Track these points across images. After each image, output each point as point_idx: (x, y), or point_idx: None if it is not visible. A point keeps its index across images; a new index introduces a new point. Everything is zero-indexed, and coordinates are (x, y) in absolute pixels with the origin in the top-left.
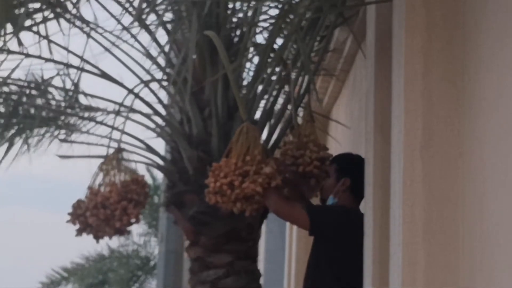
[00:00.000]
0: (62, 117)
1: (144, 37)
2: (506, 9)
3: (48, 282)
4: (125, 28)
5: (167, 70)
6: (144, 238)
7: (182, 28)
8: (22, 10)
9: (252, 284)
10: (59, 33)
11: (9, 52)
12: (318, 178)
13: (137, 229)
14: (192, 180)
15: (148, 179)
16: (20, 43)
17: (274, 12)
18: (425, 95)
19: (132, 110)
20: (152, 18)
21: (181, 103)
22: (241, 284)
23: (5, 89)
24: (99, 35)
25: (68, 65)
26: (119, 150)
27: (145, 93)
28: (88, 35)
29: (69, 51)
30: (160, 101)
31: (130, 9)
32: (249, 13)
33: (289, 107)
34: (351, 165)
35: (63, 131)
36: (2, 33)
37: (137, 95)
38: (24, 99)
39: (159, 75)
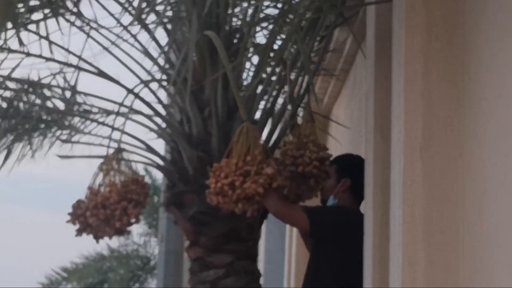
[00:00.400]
0: (62, 117)
1: (144, 37)
2: (506, 9)
3: (48, 283)
4: (124, 28)
5: (167, 70)
6: (144, 238)
7: (182, 28)
8: (23, 9)
9: (252, 284)
10: (58, 32)
11: (10, 50)
12: (317, 178)
13: (137, 229)
14: (192, 180)
15: (147, 179)
16: (20, 42)
17: (274, 12)
18: (425, 95)
19: (132, 110)
20: (152, 18)
21: (181, 103)
22: (241, 284)
23: (5, 88)
24: (98, 34)
25: (68, 65)
26: (119, 150)
27: (145, 93)
28: (88, 34)
29: (69, 52)
30: (160, 101)
31: (130, 9)
32: (249, 13)
33: (289, 107)
34: (351, 166)
35: (63, 132)
36: (3, 32)
37: (137, 95)
38: (25, 98)
39: (158, 75)
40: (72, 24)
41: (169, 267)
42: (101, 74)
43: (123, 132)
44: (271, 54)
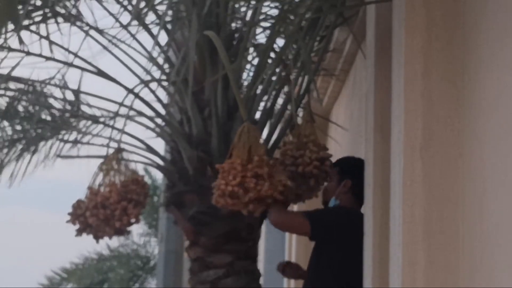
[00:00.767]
0: (66, 119)
1: (144, 37)
2: (506, 9)
3: (48, 283)
4: (124, 27)
5: (167, 70)
6: (144, 238)
7: (182, 28)
8: (23, 8)
9: (252, 284)
10: (57, 32)
11: (10, 49)
12: (317, 178)
13: (137, 229)
14: (192, 180)
15: (147, 179)
16: (21, 42)
17: (274, 12)
18: (425, 95)
19: (132, 110)
20: (152, 18)
21: (181, 103)
22: (241, 284)
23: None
24: (98, 34)
25: (68, 64)
26: (119, 150)
27: (145, 93)
28: (87, 34)
29: (69, 51)
30: (160, 101)
31: (130, 8)
32: (249, 13)
33: (289, 107)
34: (352, 167)
35: (63, 132)
36: (3, 31)
37: (137, 95)
38: (24, 98)
39: (158, 74)
40: (72, 23)
41: (169, 267)
42: (101, 73)
43: (123, 132)
44: (272, 54)
